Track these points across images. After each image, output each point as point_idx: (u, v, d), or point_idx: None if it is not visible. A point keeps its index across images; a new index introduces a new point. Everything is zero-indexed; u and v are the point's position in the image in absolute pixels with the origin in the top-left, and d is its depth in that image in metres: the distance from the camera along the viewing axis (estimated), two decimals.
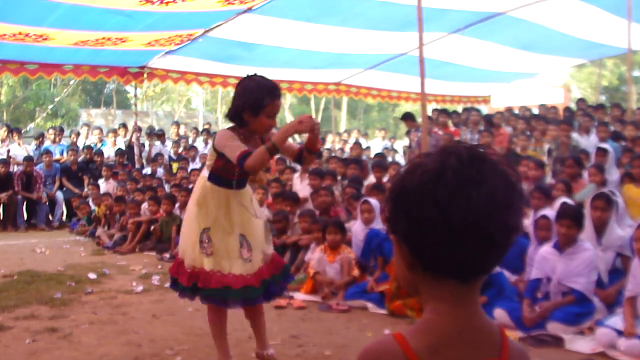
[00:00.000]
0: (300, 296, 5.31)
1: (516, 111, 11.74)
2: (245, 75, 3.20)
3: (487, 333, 1.01)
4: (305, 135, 3.12)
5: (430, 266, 0.99)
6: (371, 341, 1.03)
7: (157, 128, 14.35)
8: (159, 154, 11.63)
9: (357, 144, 11.31)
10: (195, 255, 3.18)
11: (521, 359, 1.04)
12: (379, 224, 5.59)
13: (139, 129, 12.34)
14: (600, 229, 4.56)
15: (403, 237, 1.00)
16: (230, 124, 3.23)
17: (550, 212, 4.73)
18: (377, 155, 9.87)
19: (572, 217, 4.24)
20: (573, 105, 12.50)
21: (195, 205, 3.23)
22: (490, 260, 0.99)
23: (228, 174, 3.18)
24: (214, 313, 3.31)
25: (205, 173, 3.27)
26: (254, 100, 3.05)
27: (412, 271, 1.02)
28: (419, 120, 10.41)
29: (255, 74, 3.20)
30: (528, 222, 4.86)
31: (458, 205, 0.93)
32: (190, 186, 8.58)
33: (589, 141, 8.17)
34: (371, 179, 7.91)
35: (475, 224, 0.94)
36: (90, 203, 10.04)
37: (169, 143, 12.73)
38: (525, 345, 3.74)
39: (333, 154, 11.63)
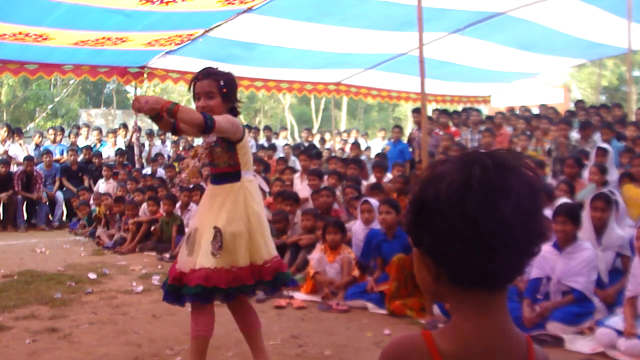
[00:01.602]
0: (300, 296, 5.31)
1: (517, 111, 11.74)
2: None
3: (514, 342, 1.00)
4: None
5: (458, 278, 0.97)
6: (399, 335, 1.03)
7: (156, 128, 14.36)
8: (159, 154, 11.64)
9: (356, 144, 11.31)
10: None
11: None
12: (378, 224, 5.58)
13: (139, 129, 12.34)
14: (600, 229, 4.55)
15: (427, 249, 0.99)
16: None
17: (548, 212, 4.73)
18: (377, 155, 9.86)
19: (565, 213, 4.25)
20: (572, 106, 12.50)
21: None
22: (518, 268, 0.98)
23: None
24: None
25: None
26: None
27: (437, 282, 1.00)
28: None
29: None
30: None
31: (485, 217, 0.92)
32: (191, 187, 8.58)
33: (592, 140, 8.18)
34: (371, 179, 7.91)
35: (503, 234, 0.92)
36: (91, 202, 10.05)
37: (168, 143, 12.74)
38: None
39: (333, 154, 11.65)
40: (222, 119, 2.96)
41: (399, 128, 10.29)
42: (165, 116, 2.95)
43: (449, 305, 1.02)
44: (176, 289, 3.05)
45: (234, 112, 3.16)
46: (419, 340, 0.98)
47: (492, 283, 0.97)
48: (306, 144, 13.07)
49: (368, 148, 13.65)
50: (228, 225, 2.98)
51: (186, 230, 7.62)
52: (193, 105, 3.21)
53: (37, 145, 12.14)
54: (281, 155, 11.04)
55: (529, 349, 1.00)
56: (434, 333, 0.99)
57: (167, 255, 7.52)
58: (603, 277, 4.41)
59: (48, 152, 11.45)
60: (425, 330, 0.99)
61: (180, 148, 12.06)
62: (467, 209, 0.92)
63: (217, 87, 3.05)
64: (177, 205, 8.23)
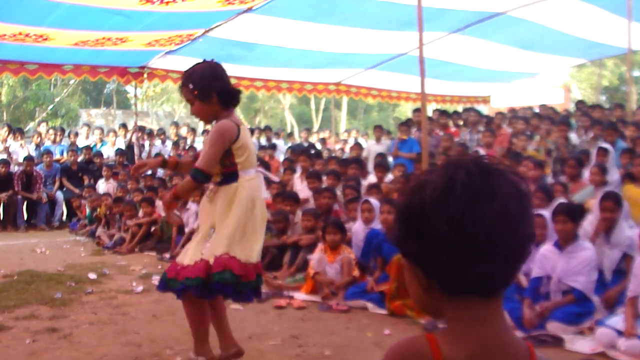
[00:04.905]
0: (300, 296, 5.31)
1: (517, 112, 11.73)
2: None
3: (514, 350, 0.97)
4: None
5: (449, 285, 0.95)
6: (403, 338, 1.01)
7: (156, 128, 14.36)
8: (159, 154, 11.62)
9: (357, 144, 11.30)
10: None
11: None
12: (379, 224, 5.59)
13: (141, 129, 12.34)
14: (609, 228, 4.56)
15: (416, 258, 0.97)
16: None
17: (546, 211, 4.74)
18: (378, 155, 9.82)
19: (564, 212, 4.26)
20: (573, 106, 12.49)
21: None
22: (510, 272, 0.96)
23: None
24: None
25: (250, 173, 3.15)
26: None
27: (428, 292, 0.98)
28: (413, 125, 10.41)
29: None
30: None
31: (471, 220, 0.91)
32: None
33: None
34: (371, 179, 7.91)
35: (490, 237, 0.91)
36: (87, 206, 10.06)
37: (168, 143, 12.74)
38: None
39: (333, 154, 11.64)
40: (203, 157, 3.01)
41: (406, 126, 10.21)
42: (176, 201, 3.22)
43: (445, 317, 0.99)
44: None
45: (225, 100, 3.07)
46: (422, 343, 0.96)
47: (484, 289, 0.95)
48: (306, 144, 13.07)
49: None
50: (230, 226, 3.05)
51: (187, 229, 7.65)
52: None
53: (37, 145, 12.15)
54: (281, 155, 11.03)
55: (531, 356, 0.98)
56: (439, 336, 0.96)
57: (167, 255, 7.51)
58: (607, 275, 4.42)
59: (48, 152, 11.46)
60: (429, 334, 0.97)
61: (180, 148, 12.06)
62: (452, 213, 0.91)
63: (190, 93, 3.02)
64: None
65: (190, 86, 3.00)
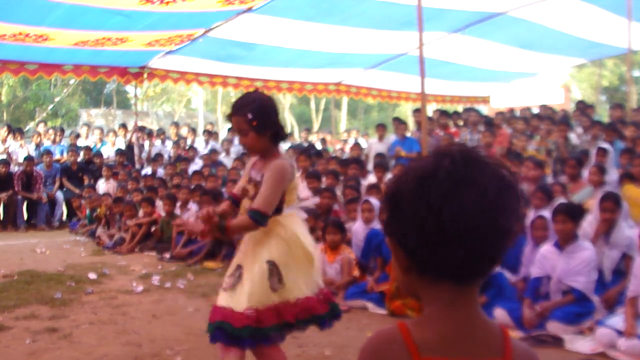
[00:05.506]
0: None
1: (517, 112, 11.73)
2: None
3: (487, 333, 1.01)
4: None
5: (426, 268, 0.99)
6: (379, 330, 1.03)
7: (156, 128, 14.35)
8: (159, 154, 11.64)
9: (357, 144, 11.28)
10: None
11: (528, 358, 1.03)
12: (378, 224, 5.59)
13: (141, 129, 12.33)
14: (608, 228, 4.56)
15: (398, 239, 1.01)
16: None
17: (547, 212, 4.74)
18: (377, 155, 9.83)
19: (564, 211, 4.26)
20: (573, 106, 12.48)
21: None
22: (486, 262, 0.99)
23: None
24: None
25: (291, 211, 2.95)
26: None
27: (408, 274, 1.02)
28: (410, 123, 10.40)
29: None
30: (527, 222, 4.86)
31: (450, 206, 0.94)
32: (192, 187, 8.57)
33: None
34: (371, 179, 7.91)
35: (467, 225, 0.94)
36: (86, 207, 10.06)
37: (168, 143, 12.74)
38: None
39: (333, 154, 11.62)
40: (264, 199, 2.76)
41: (404, 125, 10.14)
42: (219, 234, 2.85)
43: (421, 299, 1.04)
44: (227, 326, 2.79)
45: (277, 138, 2.90)
46: (394, 331, 1.00)
47: (459, 276, 0.98)
48: (305, 144, 13.07)
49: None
50: (280, 256, 2.81)
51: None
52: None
53: (37, 145, 12.16)
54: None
55: (504, 341, 1.01)
56: (409, 323, 1.00)
57: (167, 256, 7.51)
58: (607, 275, 4.42)
59: (48, 152, 11.46)
60: (400, 322, 1.01)
61: (180, 148, 12.06)
62: (432, 197, 0.95)
63: (247, 122, 2.81)
64: (178, 204, 8.23)
65: (250, 116, 2.80)
